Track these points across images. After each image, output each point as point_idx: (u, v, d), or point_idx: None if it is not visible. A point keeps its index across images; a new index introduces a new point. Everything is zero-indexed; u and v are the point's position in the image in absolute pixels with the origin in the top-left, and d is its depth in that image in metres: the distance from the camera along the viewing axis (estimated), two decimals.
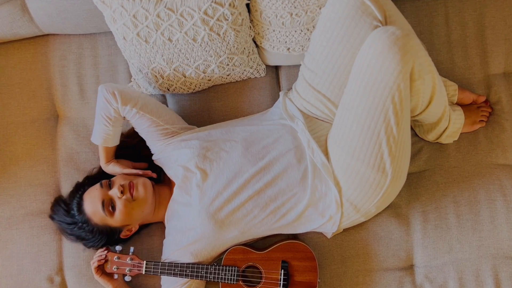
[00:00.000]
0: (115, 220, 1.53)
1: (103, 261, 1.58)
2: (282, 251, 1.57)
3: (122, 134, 1.66)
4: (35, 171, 1.76)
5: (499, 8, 1.77)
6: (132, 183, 1.54)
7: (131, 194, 1.52)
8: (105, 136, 1.58)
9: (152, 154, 1.66)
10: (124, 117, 1.58)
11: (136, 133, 1.65)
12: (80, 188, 1.60)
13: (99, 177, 1.64)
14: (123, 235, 1.59)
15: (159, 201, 1.62)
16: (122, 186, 1.52)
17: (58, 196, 1.67)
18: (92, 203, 1.53)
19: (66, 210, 1.58)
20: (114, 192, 1.52)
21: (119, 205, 1.51)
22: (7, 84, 1.83)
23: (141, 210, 1.55)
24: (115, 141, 1.61)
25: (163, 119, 1.61)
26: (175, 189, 1.57)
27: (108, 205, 1.52)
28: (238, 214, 1.51)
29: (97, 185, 1.55)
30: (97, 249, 1.62)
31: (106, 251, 1.58)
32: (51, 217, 1.64)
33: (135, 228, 1.61)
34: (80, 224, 1.55)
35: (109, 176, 1.61)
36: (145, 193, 1.54)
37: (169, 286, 1.58)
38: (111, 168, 1.63)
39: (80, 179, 1.73)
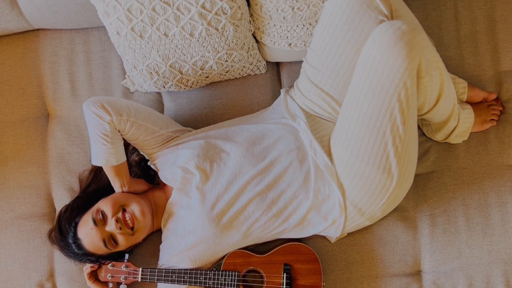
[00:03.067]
0: (120, 248, 1.55)
1: (96, 267, 1.58)
2: (284, 254, 1.57)
3: None
4: (25, 172, 1.76)
5: (510, 1, 1.76)
6: (126, 215, 1.51)
7: (130, 228, 1.51)
8: (107, 156, 1.51)
9: (142, 160, 1.66)
10: (118, 130, 1.52)
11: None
12: (72, 223, 1.56)
13: (85, 203, 1.60)
14: (127, 250, 1.61)
15: (156, 209, 1.61)
16: (118, 221, 1.50)
17: (49, 231, 1.67)
18: (92, 243, 1.52)
19: (66, 248, 1.58)
20: (112, 228, 1.50)
21: (120, 239, 1.51)
22: None
23: (143, 235, 1.57)
24: (121, 158, 1.54)
25: (158, 125, 1.58)
26: (174, 192, 1.57)
27: (110, 240, 1.51)
28: (239, 217, 1.51)
29: (91, 223, 1.51)
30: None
31: None
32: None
33: (139, 241, 1.62)
34: (84, 257, 1.56)
35: (94, 199, 1.59)
36: (144, 220, 1.53)
37: None
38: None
39: (72, 181, 1.73)
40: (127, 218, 1.51)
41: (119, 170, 1.55)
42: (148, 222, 1.56)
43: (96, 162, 1.53)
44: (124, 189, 1.58)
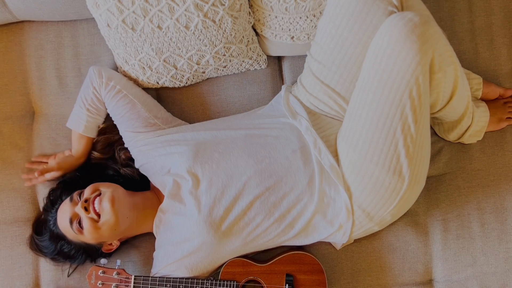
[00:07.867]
0: (86, 238, 1.53)
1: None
2: (286, 264, 1.56)
3: (102, 129, 1.70)
4: (8, 174, 1.75)
5: None
6: (97, 200, 1.50)
7: (95, 212, 1.49)
8: (77, 120, 1.65)
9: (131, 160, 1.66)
10: (104, 99, 1.63)
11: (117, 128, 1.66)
12: (57, 201, 1.60)
13: (74, 183, 1.63)
14: (104, 249, 1.60)
15: (144, 211, 1.59)
16: (86, 201, 1.50)
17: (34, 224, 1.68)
18: (61, 220, 1.54)
19: (44, 224, 1.60)
20: (79, 210, 1.50)
21: (85, 223, 1.50)
22: None
23: (112, 228, 1.52)
24: (89, 131, 1.66)
25: (146, 106, 1.63)
26: (165, 199, 1.56)
27: (76, 221, 1.51)
28: (239, 222, 1.50)
29: (68, 199, 1.54)
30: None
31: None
32: (33, 245, 1.66)
33: (115, 244, 1.60)
34: (58, 241, 1.58)
35: (85, 182, 1.59)
36: (111, 209, 1.49)
37: None
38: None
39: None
40: (96, 203, 1.50)
41: (81, 140, 1.68)
42: (121, 215, 1.51)
43: (68, 124, 1.68)
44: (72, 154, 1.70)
